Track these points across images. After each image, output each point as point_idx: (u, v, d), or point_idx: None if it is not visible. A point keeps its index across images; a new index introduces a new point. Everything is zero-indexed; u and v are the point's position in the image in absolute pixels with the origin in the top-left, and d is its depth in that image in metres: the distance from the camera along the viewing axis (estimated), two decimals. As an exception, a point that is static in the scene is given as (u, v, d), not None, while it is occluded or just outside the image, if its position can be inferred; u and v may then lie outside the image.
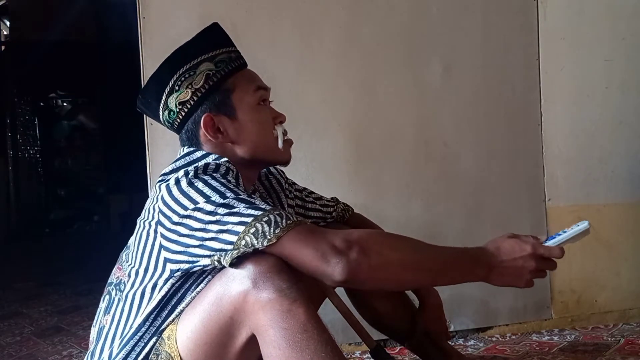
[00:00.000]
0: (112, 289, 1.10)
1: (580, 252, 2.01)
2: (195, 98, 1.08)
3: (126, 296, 1.05)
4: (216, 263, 0.94)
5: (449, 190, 1.94)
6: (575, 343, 1.83)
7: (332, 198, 1.42)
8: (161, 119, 1.13)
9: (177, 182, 0.98)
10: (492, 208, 1.97)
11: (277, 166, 1.26)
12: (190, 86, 1.08)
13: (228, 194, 0.95)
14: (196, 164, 1.03)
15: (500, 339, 1.92)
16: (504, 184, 1.98)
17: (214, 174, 0.99)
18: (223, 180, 0.98)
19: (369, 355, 1.38)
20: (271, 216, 0.92)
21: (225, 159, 1.06)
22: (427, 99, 1.93)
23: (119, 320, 1.05)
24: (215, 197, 0.95)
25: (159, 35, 1.76)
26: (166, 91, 1.09)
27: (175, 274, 1.00)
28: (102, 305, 1.11)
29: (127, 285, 1.06)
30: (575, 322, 2.00)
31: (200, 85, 1.07)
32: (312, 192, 1.39)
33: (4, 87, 6.54)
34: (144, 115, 1.75)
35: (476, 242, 1.96)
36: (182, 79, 1.08)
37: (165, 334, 0.99)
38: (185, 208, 0.95)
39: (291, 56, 1.82)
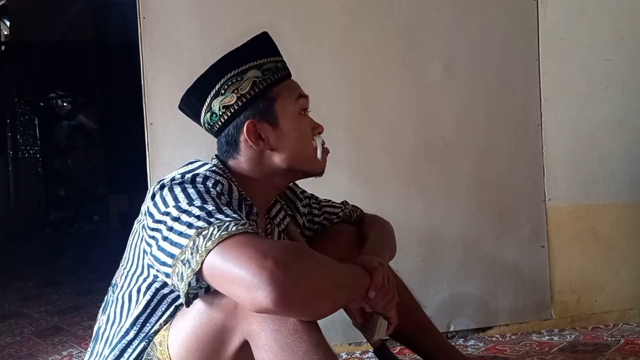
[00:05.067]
0: (110, 289, 1.11)
1: (580, 252, 2.02)
2: (240, 103, 1.08)
3: (117, 298, 1.06)
4: (177, 286, 0.89)
5: (449, 190, 1.94)
6: (575, 343, 1.83)
7: (341, 202, 1.43)
8: (202, 120, 1.13)
9: (162, 186, 0.98)
10: (492, 208, 1.97)
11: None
12: (236, 91, 1.08)
13: (196, 202, 0.92)
14: (187, 173, 1.01)
15: (500, 339, 1.92)
16: (504, 184, 1.98)
17: (198, 185, 0.97)
18: (202, 189, 0.95)
19: (370, 355, 1.38)
20: (211, 228, 0.85)
21: (220, 175, 1.04)
22: (427, 99, 1.93)
23: (113, 322, 1.05)
24: (183, 203, 0.92)
25: (159, 35, 1.76)
26: (211, 94, 1.09)
27: (157, 279, 0.99)
28: (102, 304, 1.12)
29: (118, 287, 1.07)
30: (575, 322, 2.00)
31: (246, 91, 1.08)
32: (318, 198, 1.40)
33: (4, 87, 6.53)
34: (144, 115, 1.76)
35: (476, 242, 1.98)
36: (229, 83, 1.08)
37: (156, 339, 0.99)
38: (160, 212, 0.94)
39: (291, 56, 1.82)
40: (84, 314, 2.65)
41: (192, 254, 0.85)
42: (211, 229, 0.85)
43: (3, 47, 7.17)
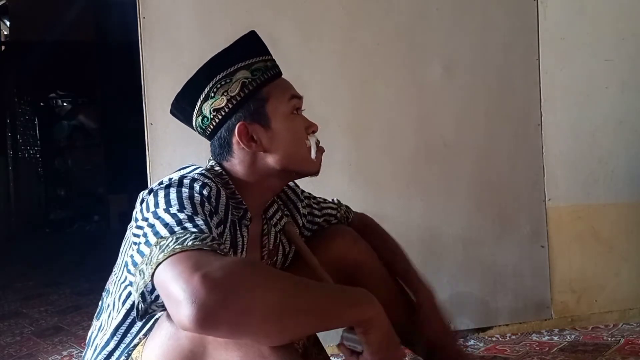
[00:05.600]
0: (103, 294, 1.10)
1: (580, 252, 2.02)
2: (230, 106, 1.07)
3: (108, 305, 1.05)
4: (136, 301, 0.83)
5: (449, 190, 1.94)
6: (575, 343, 1.83)
7: (334, 201, 1.43)
8: (194, 124, 1.12)
9: (150, 191, 0.97)
10: (492, 208, 1.97)
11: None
12: (225, 93, 1.06)
13: (172, 209, 0.88)
14: (176, 177, 0.99)
15: (500, 339, 1.92)
16: (504, 184, 1.98)
17: (183, 188, 0.93)
18: (185, 193, 0.92)
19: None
20: (170, 239, 0.81)
21: (210, 176, 1.01)
22: (427, 99, 1.93)
23: (101, 330, 1.04)
24: (160, 210, 0.88)
25: (159, 35, 1.76)
26: (201, 97, 1.08)
27: None
28: (97, 309, 1.11)
29: (109, 294, 1.06)
30: (575, 322, 2.00)
31: (235, 93, 1.06)
32: (315, 197, 1.39)
33: (4, 87, 6.54)
34: (144, 115, 1.76)
35: (476, 242, 1.97)
36: (218, 85, 1.07)
37: (134, 354, 0.97)
38: (142, 217, 0.91)
39: (291, 56, 1.82)
40: (84, 314, 2.65)
41: (146, 264, 0.81)
42: (169, 240, 0.81)
43: (3, 47, 7.17)
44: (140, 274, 0.82)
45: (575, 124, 2.02)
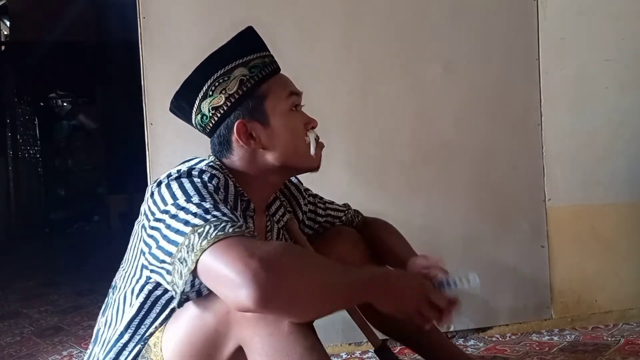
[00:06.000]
0: (110, 290, 1.11)
1: (580, 252, 2.02)
2: (228, 104, 1.07)
3: (115, 300, 1.06)
4: (172, 288, 0.89)
5: (449, 190, 1.94)
6: (575, 343, 1.83)
7: (344, 204, 1.43)
8: (193, 122, 1.12)
9: (159, 184, 0.97)
10: (492, 208, 1.97)
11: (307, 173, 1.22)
12: (224, 91, 1.07)
13: (194, 199, 0.91)
14: (184, 168, 1.00)
15: (500, 339, 1.92)
16: (504, 183, 1.98)
17: (195, 179, 0.96)
18: (199, 183, 0.95)
19: (370, 355, 1.38)
20: (207, 226, 0.84)
21: (217, 168, 1.04)
22: (426, 98, 1.93)
23: (109, 324, 1.05)
24: (181, 200, 0.91)
25: (159, 35, 1.76)
26: (200, 96, 1.08)
27: (150, 281, 0.99)
28: (103, 306, 1.12)
29: (117, 289, 1.07)
30: (575, 322, 2.00)
31: (234, 90, 1.07)
32: (322, 198, 1.39)
33: (4, 87, 6.53)
34: (144, 115, 1.76)
35: (476, 242, 1.97)
36: (216, 84, 1.07)
37: (151, 341, 0.98)
38: (159, 210, 0.93)
39: (291, 56, 1.82)
40: (84, 314, 2.65)
41: (187, 252, 0.83)
42: (207, 227, 0.84)
43: (3, 47, 7.17)
44: (181, 263, 0.84)
45: (575, 124, 2.02)
